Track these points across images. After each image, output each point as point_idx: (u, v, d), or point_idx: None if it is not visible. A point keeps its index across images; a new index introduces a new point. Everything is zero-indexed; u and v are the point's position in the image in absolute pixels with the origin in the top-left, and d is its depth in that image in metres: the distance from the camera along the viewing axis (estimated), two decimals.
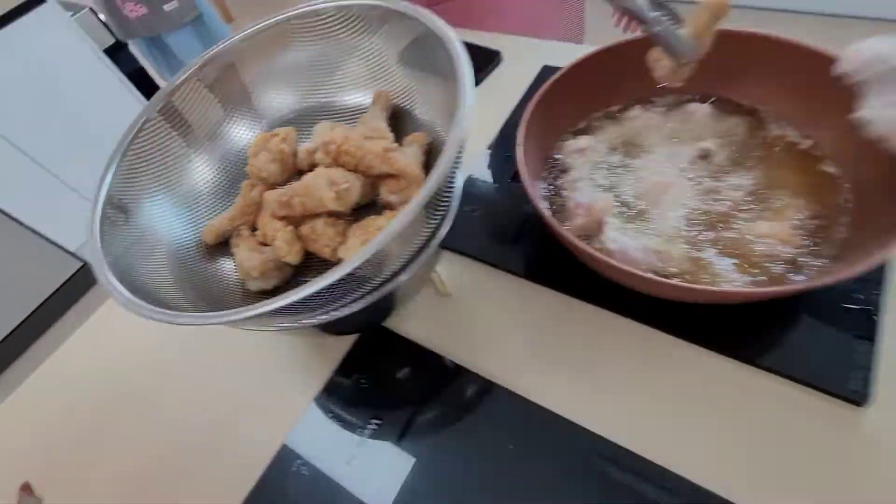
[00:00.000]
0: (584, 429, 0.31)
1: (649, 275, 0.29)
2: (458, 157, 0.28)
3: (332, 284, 0.24)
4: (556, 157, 0.42)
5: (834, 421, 0.29)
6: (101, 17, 1.51)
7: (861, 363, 0.30)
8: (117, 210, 0.31)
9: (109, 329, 0.47)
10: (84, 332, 0.48)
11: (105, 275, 0.27)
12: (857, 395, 0.29)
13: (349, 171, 0.32)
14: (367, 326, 0.39)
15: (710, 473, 0.29)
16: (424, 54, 0.33)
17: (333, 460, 0.33)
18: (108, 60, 1.42)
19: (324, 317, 0.29)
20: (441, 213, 0.31)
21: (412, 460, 0.32)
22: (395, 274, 0.30)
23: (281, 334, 0.41)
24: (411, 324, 0.39)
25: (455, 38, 0.30)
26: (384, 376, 0.37)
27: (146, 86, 1.63)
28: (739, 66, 0.39)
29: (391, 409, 0.35)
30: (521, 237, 0.42)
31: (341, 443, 0.34)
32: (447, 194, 0.31)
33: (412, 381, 0.36)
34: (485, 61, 0.57)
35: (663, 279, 0.29)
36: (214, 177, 0.37)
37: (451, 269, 0.41)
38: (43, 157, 1.37)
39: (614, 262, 0.29)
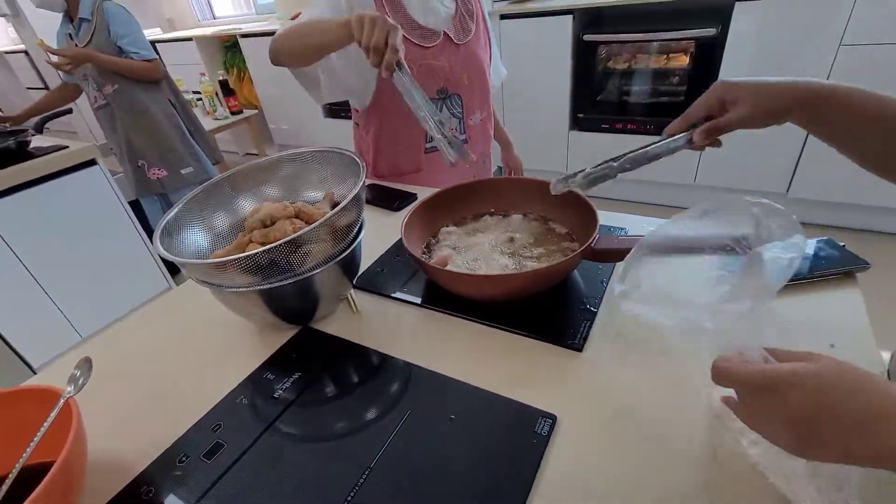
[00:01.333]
0: (437, 372, 0.51)
1: (452, 270, 0.54)
2: (356, 209, 0.55)
3: (274, 248, 0.48)
4: (434, 238, 0.70)
5: (565, 357, 0.51)
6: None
7: (583, 332, 0.53)
8: (166, 233, 0.56)
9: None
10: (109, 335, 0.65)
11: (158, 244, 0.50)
12: (577, 347, 0.52)
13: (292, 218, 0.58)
14: (301, 321, 0.59)
15: (498, 386, 0.48)
16: (351, 171, 0.63)
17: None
18: (129, 209, 1.76)
19: (273, 282, 0.51)
20: (347, 241, 0.56)
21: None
22: (316, 267, 0.53)
23: (240, 319, 0.60)
24: (331, 327, 0.60)
25: (362, 168, 0.60)
26: (310, 355, 0.56)
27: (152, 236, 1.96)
28: (538, 197, 0.71)
29: (316, 368, 0.54)
30: (405, 283, 0.66)
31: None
32: (351, 229, 0.57)
33: (330, 357, 0.56)
34: (404, 199, 0.89)
35: (465, 272, 0.54)
36: (226, 225, 0.62)
37: (362, 299, 0.64)
38: (46, 279, 1.58)
39: (438, 266, 0.54)
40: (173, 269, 2.20)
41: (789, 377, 0.30)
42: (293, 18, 3.00)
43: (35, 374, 1.60)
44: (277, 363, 0.56)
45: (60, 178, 1.56)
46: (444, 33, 0.96)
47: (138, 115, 1.78)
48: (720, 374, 0.33)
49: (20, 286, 1.53)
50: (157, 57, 1.73)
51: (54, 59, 1.58)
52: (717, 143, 0.57)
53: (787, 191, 1.98)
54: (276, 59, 0.87)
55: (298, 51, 0.82)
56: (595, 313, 0.56)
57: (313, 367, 0.54)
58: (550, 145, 2.44)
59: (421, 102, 0.68)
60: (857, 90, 0.47)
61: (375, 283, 0.67)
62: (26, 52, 4.43)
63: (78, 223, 1.63)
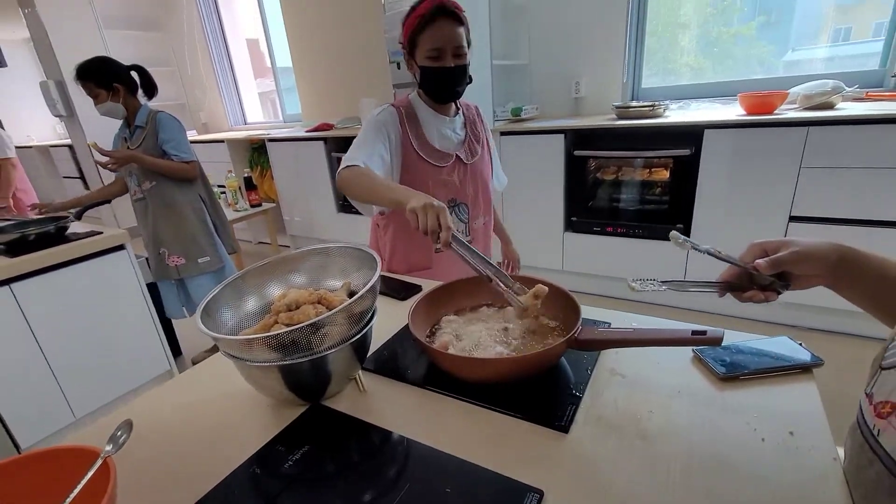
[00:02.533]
0: (435, 448, 0.56)
1: (451, 351, 0.61)
2: (371, 298, 0.64)
3: (298, 329, 0.56)
4: (436, 325, 0.78)
5: (552, 438, 0.56)
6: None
7: (569, 415, 0.59)
8: (206, 313, 0.64)
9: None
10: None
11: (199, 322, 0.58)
12: (564, 428, 0.57)
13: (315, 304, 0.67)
14: (312, 398, 0.65)
15: (490, 462, 0.53)
16: (367, 265, 0.73)
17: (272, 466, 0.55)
18: (147, 292, 1.86)
19: (293, 359, 0.58)
20: (360, 326, 0.64)
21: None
22: (332, 347, 0.60)
23: (257, 394, 0.65)
24: (340, 404, 0.65)
25: (377, 265, 0.70)
26: (319, 430, 0.61)
27: (162, 318, 2.03)
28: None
29: (324, 442, 0.58)
30: (409, 366, 0.73)
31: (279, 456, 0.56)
32: (365, 316, 0.65)
33: (338, 433, 0.61)
34: (411, 289, 0.99)
35: (463, 356, 0.61)
36: (255, 308, 0.71)
37: (369, 380, 0.70)
38: (53, 356, 1.62)
39: (439, 349, 0.62)
40: (176, 351, 2.24)
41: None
42: (317, 129, 3.35)
43: (19, 453, 1.57)
44: (288, 437, 0.60)
45: (90, 261, 1.68)
46: (456, 155, 1.15)
47: (168, 208, 1.97)
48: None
49: (29, 362, 1.57)
50: (196, 159, 1.96)
51: (103, 159, 1.80)
52: (775, 295, 0.59)
53: None
54: (343, 192, 1.03)
55: (361, 199, 1.00)
56: (580, 398, 0.62)
57: (322, 442, 0.59)
58: (547, 245, 2.60)
59: (474, 262, 0.75)
60: (890, 260, 0.53)
61: (382, 365, 0.73)
62: (70, 147, 4.88)
63: (97, 302, 1.72)
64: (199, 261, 2.03)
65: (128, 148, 1.90)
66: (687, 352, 0.69)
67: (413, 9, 1.07)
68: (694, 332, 0.56)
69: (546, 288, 0.73)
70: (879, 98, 2.01)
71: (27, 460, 0.49)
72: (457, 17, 1.05)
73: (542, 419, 0.58)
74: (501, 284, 0.74)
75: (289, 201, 3.70)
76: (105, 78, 1.81)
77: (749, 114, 2.03)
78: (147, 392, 0.73)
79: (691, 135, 2.10)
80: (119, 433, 0.49)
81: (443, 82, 1.10)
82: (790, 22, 2.47)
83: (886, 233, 1.79)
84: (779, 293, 0.58)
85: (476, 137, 1.23)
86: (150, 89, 1.94)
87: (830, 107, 1.96)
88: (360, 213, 1.17)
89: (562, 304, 0.74)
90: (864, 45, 2.28)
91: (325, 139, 3.23)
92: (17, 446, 1.56)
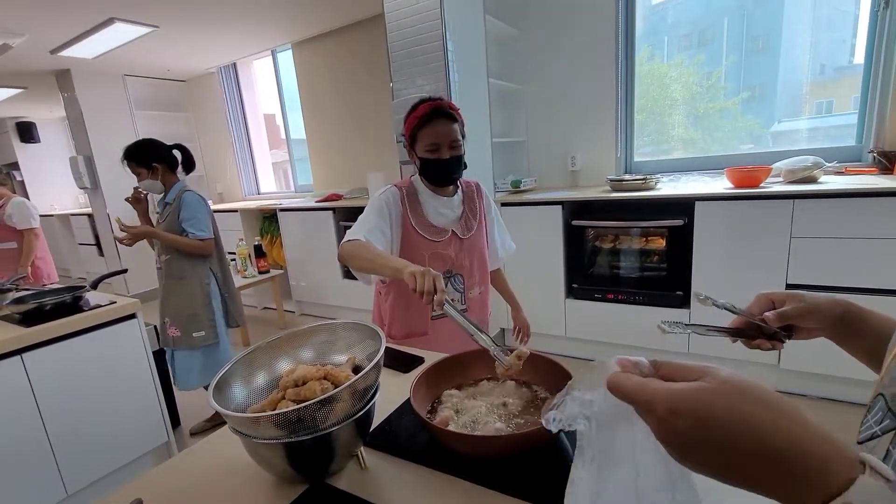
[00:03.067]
0: None
1: (451, 428, 0.63)
2: (375, 374, 0.67)
3: (304, 407, 0.58)
4: (437, 400, 0.80)
5: None
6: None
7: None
8: (218, 389, 0.67)
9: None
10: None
11: (211, 398, 0.61)
12: None
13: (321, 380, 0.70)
14: (314, 477, 0.66)
15: None
16: (371, 339, 0.77)
17: None
18: (153, 361, 1.87)
19: (298, 436, 0.60)
20: (364, 402, 0.67)
21: None
22: (336, 424, 0.63)
23: (259, 472, 0.66)
24: (340, 482, 0.66)
25: (383, 341, 0.74)
26: None
27: (165, 388, 2.03)
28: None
29: None
30: (409, 442, 0.74)
31: None
32: (368, 391, 0.68)
33: None
34: (414, 361, 1.01)
35: (462, 433, 0.63)
36: (264, 382, 0.74)
37: (370, 456, 0.72)
38: (53, 426, 1.61)
39: (438, 426, 0.64)
40: (175, 422, 2.21)
41: (668, 401, 0.29)
42: (327, 199, 3.52)
43: None
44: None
45: (101, 330, 1.72)
46: (451, 231, 1.24)
47: (177, 280, 2.07)
48: (610, 384, 0.33)
49: (28, 433, 1.56)
50: (212, 237, 2.08)
51: (121, 234, 1.94)
52: (780, 344, 0.62)
53: (778, 362, 2.06)
54: (343, 262, 1.14)
55: (362, 269, 1.11)
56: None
57: None
58: (549, 311, 2.63)
59: (464, 324, 0.80)
60: (891, 319, 0.54)
61: (383, 440, 0.75)
62: (90, 216, 5.09)
63: (104, 371, 1.73)
64: (194, 335, 2.10)
65: (158, 221, 2.05)
66: None
67: (414, 108, 1.22)
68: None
69: (528, 351, 0.78)
70: (857, 172, 2.12)
71: None
72: (451, 117, 1.20)
73: (544, 499, 0.59)
74: (489, 344, 0.78)
75: (296, 267, 3.79)
76: (146, 158, 2.01)
77: (736, 187, 2.14)
78: (149, 470, 0.74)
79: (684, 206, 2.20)
80: None
81: (440, 171, 1.23)
82: (773, 96, 2.67)
83: (881, 300, 1.81)
84: (783, 342, 0.62)
85: (473, 213, 1.32)
86: (189, 165, 2.15)
87: (813, 180, 2.07)
88: None
89: (556, 375, 0.77)
90: (845, 116, 2.44)
91: (333, 209, 3.37)
92: None
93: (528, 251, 2.61)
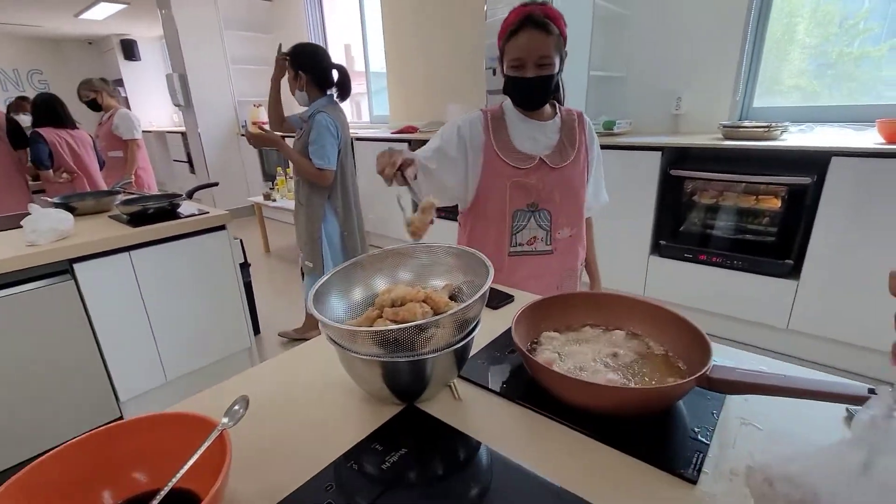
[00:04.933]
0: (528, 469, 0.52)
1: (557, 370, 0.56)
2: (479, 306, 0.61)
3: (404, 328, 0.54)
4: (536, 341, 0.73)
5: (674, 486, 0.49)
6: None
7: (696, 463, 0.52)
8: (316, 299, 0.65)
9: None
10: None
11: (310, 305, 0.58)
12: (691, 479, 0.50)
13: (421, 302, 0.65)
14: (408, 399, 0.63)
15: (593, 496, 0.48)
16: (474, 269, 0.70)
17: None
18: (239, 272, 1.98)
19: (395, 357, 0.56)
20: (464, 333, 0.61)
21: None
22: (435, 351, 0.58)
23: (353, 387, 0.65)
24: (434, 409, 0.63)
25: (490, 270, 0.66)
26: (413, 432, 0.59)
27: (249, 298, 2.16)
28: (639, 316, 0.74)
29: (419, 446, 0.56)
30: (504, 379, 0.69)
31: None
32: (470, 323, 0.62)
33: (431, 438, 0.58)
34: (503, 298, 0.95)
35: (567, 375, 0.56)
36: (361, 298, 0.71)
37: (463, 388, 0.67)
38: (156, 319, 1.78)
39: (545, 366, 0.57)
40: (256, 330, 2.37)
41: None
42: (402, 131, 3.46)
43: (119, 404, 1.73)
44: (384, 435, 0.59)
45: (195, 237, 1.83)
46: (540, 158, 1.11)
47: (300, 205, 2.11)
48: None
49: (135, 323, 1.73)
50: (333, 168, 1.98)
51: (252, 130, 1.96)
52: None
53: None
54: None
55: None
56: (707, 445, 0.54)
57: (417, 446, 0.56)
58: (629, 267, 2.45)
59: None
60: None
61: (477, 374, 0.70)
62: (183, 134, 5.41)
63: (197, 275, 1.86)
64: (306, 263, 2.14)
65: (297, 133, 2.04)
66: (834, 409, 0.59)
67: (506, 18, 1.06)
68: (870, 391, 0.47)
69: (434, 201, 0.81)
70: None
71: (148, 421, 0.51)
72: (544, 27, 1.02)
73: (660, 462, 0.52)
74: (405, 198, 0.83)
75: (368, 198, 3.82)
76: (299, 63, 1.94)
77: (890, 143, 1.78)
78: (251, 370, 0.75)
79: (814, 161, 1.88)
80: (236, 407, 0.50)
81: (521, 92, 1.10)
82: None
83: None
84: None
85: (571, 142, 1.17)
86: (344, 91, 2.07)
87: None
88: (439, 217, 1.18)
89: (678, 332, 0.67)
90: None
91: (409, 140, 3.30)
92: (116, 398, 1.72)
93: (615, 201, 2.38)
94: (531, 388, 0.65)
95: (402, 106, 4.08)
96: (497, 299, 0.94)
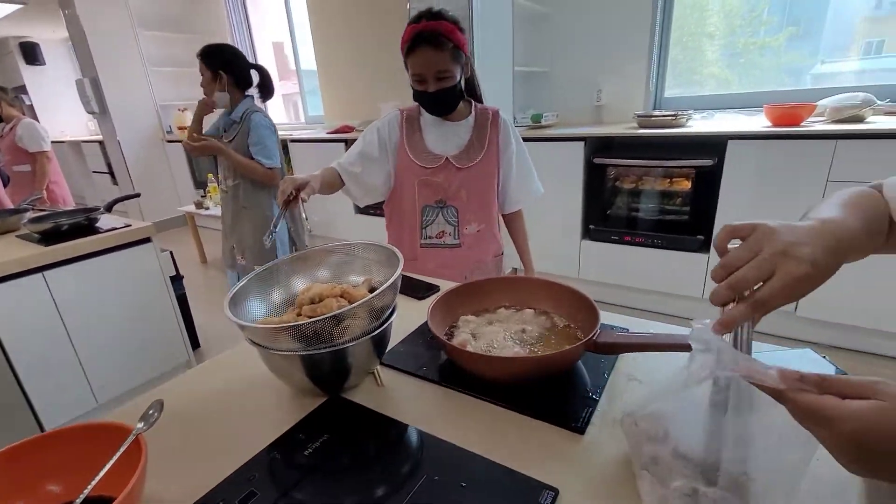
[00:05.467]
0: (451, 443, 0.57)
1: (470, 350, 0.62)
2: (391, 294, 0.65)
3: (321, 320, 0.57)
4: (454, 325, 0.79)
5: (568, 439, 0.56)
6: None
7: (585, 417, 0.59)
8: (233, 302, 0.66)
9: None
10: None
11: (227, 310, 0.60)
12: (580, 430, 0.57)
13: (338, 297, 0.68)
14: (332, 390, 0.66)
15: (506, 460, 0.54)
16: (389, 262, 0.74)
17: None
18: (170, 285, 1.91)
19: (315, 349, 0.60)
20: (380, 321, 0.65)
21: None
22: (352, 339, 0.62)
23: (278, 384, 0.67)
24: (358, 397, 0.67)
25: (401, 262, 0.71)
26: (338, 420, 0.62)
27: (184, 311, 2.08)
28: (545, 294, 0.81)
29: (343, 432, 0.60)
30: (425, 363, 0.74)
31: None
32: (385, 311, 0.66)
33: (356, 424, 0.62)
34: (429, 288, 1.00)
35: (475, 352, 0.62)
36: (280, 300, 0.73)
37: (386, 374, 0.72)
38: (80, 342, 1.67)
39: (458, 347, 0.63)
40: (195, 343, 2.29)
41: (852, 420, 0.31)
42: (338, 131, 3.41)
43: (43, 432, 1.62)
44: (308, 425, 0.62)
45: (118, 252, 1.74)
46: (446, 158, 1.19)
47: (244, 209, 2.00)
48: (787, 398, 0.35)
49: (56, 348, 1.63)
50: (280, 167, 1.94)
51: (184, 138, 1.87)
52: None
53: (795, 310, 2.03)
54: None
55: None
56: (596, 401, 0.62)
57: (341, 432, 0.60)
58: (564, 252, 2.59)
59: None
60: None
61: (399, 361, 0.74)
62: (100, 143, 5.04)
63: (123, 292, 1.77)
64: (256, 267, 2.06)
65: (220, 139, 1.92)
66: None
67: (403, 34, 1.10)
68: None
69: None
70: None
71: (63, 434, 0.51)
72: (438, 44, 1.05)
73: (559, 420, 0.59)
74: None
75: (310, 202, 3.75)
76: (215, 62, 1.86)
77: (775, 125, 2.00)
78: (174, 378, 0.76)
79: (714, 145, 2.08)
80: (151, 412, 0.51)
81: (427, 104, 1.17)
82: (820, 34, 2.43)
83: None
84: None
85: (480, 142, 1.21)
86: (266, 91, 1.98)
87: (860, 120, 1.92)
88: (378, 215, 1.22)
89: (577, 305, 0.74)
90: None
91: (345, 140, 3.28)
92: (41, 427, 1.62)
93: (546, 190, 2.52)
94: (449, 369, 0.71)
95: (335, 105, 4.03)
96: (423, 290, 0.99)
